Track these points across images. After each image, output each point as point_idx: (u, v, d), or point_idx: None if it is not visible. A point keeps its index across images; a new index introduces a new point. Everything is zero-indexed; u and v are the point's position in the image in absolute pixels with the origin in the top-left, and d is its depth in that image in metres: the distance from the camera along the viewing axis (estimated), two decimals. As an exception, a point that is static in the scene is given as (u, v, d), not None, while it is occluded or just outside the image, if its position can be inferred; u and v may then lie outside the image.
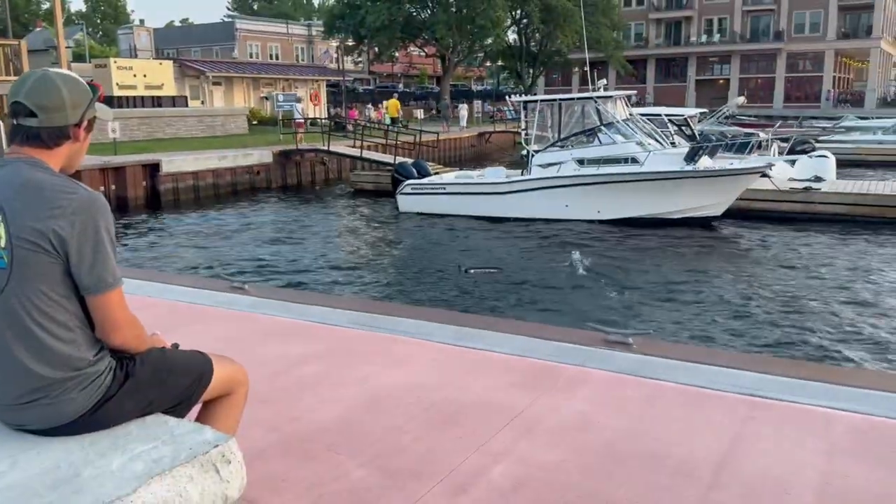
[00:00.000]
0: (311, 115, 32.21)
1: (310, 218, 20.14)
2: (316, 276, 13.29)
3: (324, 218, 20.25)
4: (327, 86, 50.34)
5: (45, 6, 66.74)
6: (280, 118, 34.26)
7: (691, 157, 16.28)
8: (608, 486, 2.63)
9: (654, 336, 8.70)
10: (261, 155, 25.72)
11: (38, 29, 51.77)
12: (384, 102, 43.07)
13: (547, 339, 4.11)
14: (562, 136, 18.07)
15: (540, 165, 17.54)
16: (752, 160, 17.22)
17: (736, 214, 17.06)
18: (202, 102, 40.83)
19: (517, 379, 3.62)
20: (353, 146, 26.83)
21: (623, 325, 9.06)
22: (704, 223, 16.82)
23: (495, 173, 19.22)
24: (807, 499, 2.54)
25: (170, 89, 34.58)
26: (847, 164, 26.15)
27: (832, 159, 19.71)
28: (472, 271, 12.78)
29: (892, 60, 71.46)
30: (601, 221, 16.92)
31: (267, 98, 43.59)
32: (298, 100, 37.00)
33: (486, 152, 37.97)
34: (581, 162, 17.13)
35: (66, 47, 31.52)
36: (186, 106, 35.42)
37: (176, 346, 2.33)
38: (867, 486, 2.62)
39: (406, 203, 19.18)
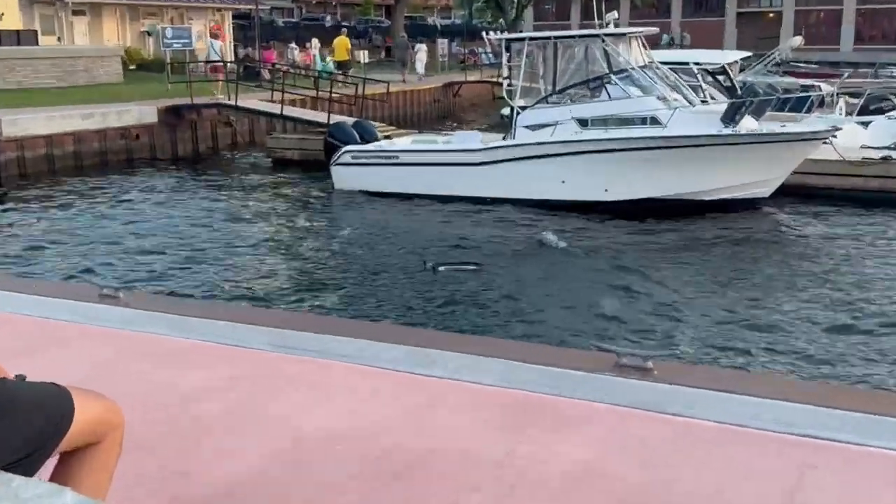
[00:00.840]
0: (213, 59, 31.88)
1: (211, 200, 20.03)
2: (219, 281, 13.26)
3: (230, 200, 20.13)
4: (233, 17, 49.93)
5: None
6: (168, 61, 33.88)
7: (731, 117, 16.38)
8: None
9: (679, 358, 9.12)
10: (141, 112, 25.46)
11: None
12: (314, 41, 42.84)
13: (536, 364, 4.14)
14: (558, 88, 18.04)
15: (528, 127, 17.53)
16: (812, 122, 17.56)
17: (790, 194, 17.27)
18: (59, 39, 40.21)
19: (496, 417, 3.66)
20: (272, 100, 26.64)
21: (638, 344, 9.55)
22: (747, 207, 17.02)
23: (467, 138, 19.20)
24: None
25: (12, 21, 34.02)
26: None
27: None
28: (441, 269, 13.26)
29: None
30: (610, 203, 17.10)
31: (149, 33, 43.10)
32: (214, 35, 36.65)
33: (455, 110, 38.17)
34: (583, 123, 17.13)
35: None
36: (36, 44, 34.87)
37: (21, 377, 2.28)
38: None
39: (344, 178, 19.30)
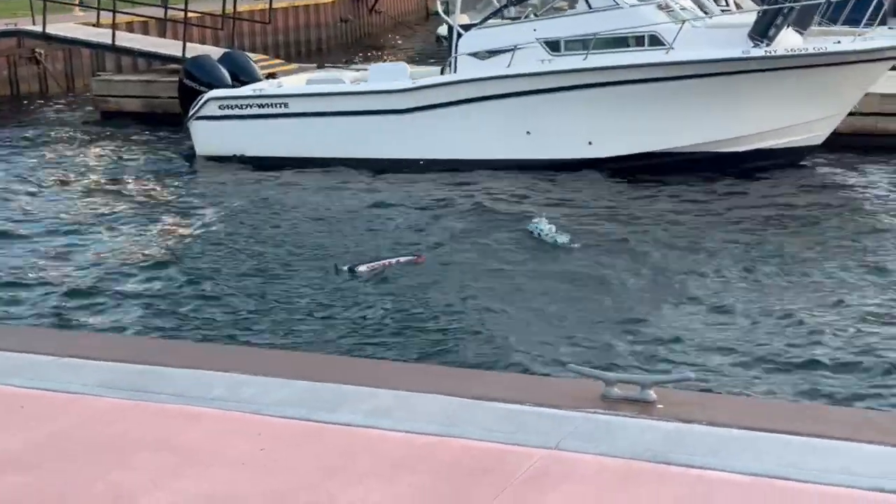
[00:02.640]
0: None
1: (7, 172, 17.29)
2: (20, 293, 11.31)
3: (34, 176, 17.16)
4: None
5: None
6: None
7: (763, 31, 14.70)
8: None
9: (693, 384, 7.84)
10: None
11: None
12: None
13: (490, 400, 3.91)
14: None
15: (474, 55, 15.74)
16: (881, 36, 15.70)
17: (850, 143, 16.08)
18: None
19: (432, 480, 3.39)
20: (98, 24, 23.08)
21: (635, 366, 8.51)
22: (789, 161, 15.80)
23: (388, 72, 17.25)
24: None
25: None
26: None
27: None
28: (360, 269, 11.64)
29: None
30: (595, 161, 15.53)
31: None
32: None
33: (373, 32, 35.55)
34: (554, 46, 15.41)
35: None
36: None
37: None
38: None
39: (209, 138, 17.01)
